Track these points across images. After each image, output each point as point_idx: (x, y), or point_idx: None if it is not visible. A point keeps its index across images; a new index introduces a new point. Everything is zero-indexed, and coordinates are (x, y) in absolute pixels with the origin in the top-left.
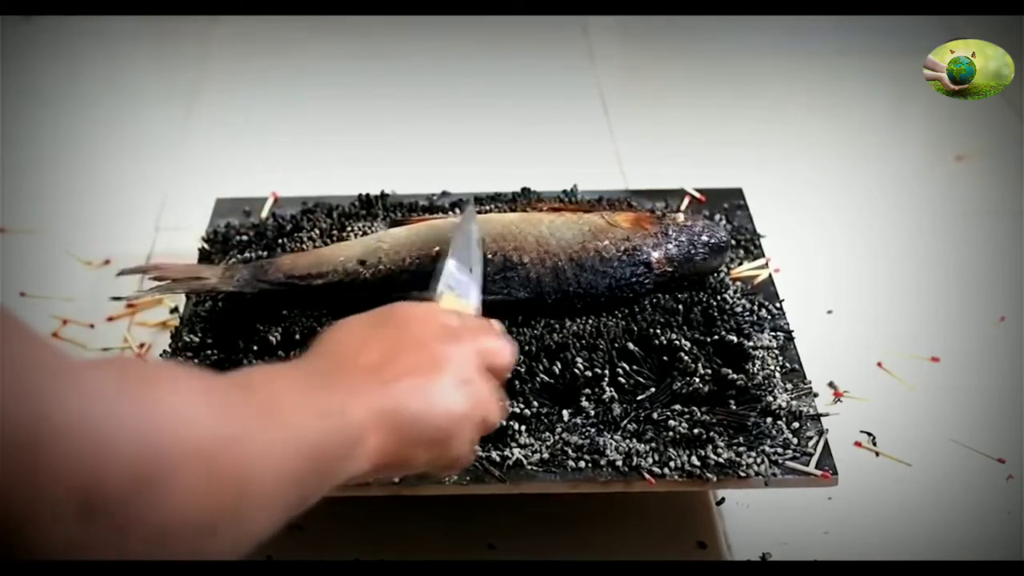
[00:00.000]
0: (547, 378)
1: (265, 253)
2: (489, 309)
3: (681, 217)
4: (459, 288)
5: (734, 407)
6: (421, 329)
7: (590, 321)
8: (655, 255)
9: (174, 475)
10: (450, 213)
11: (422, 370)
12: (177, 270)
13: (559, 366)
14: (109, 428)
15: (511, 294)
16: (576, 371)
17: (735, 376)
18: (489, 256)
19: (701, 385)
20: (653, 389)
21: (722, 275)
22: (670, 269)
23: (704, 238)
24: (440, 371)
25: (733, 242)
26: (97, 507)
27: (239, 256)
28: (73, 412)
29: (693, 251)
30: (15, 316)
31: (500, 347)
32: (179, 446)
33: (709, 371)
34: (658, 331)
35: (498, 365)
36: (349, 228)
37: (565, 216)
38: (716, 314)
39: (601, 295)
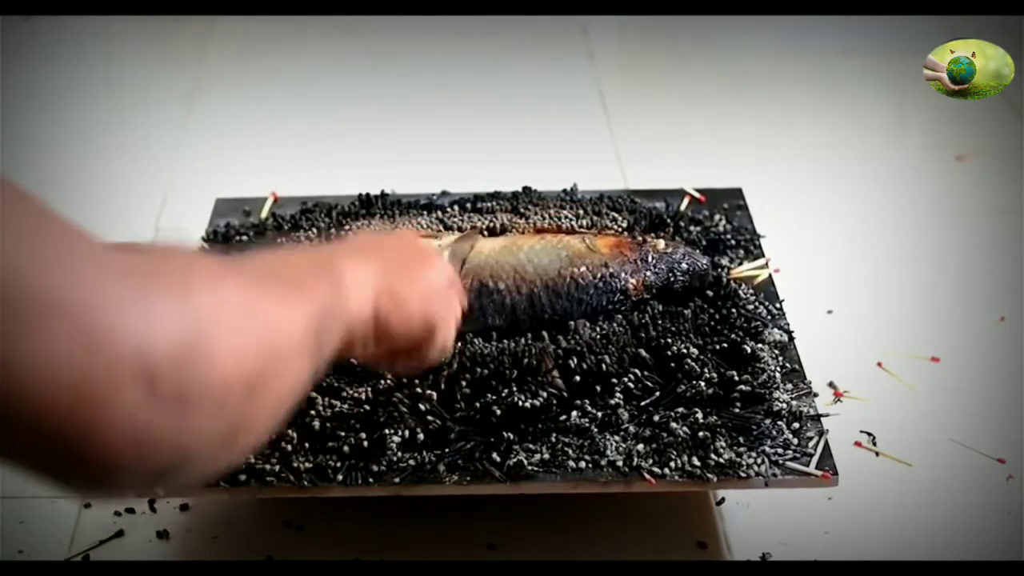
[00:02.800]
0: (557, 378)
1: None
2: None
3: (662, 244)
4: None
5: (738, 409)
6: (410, 237)
7: (599, 328)
8: (632, 281)
9: (216, 337)
10: (436, 231)
11: (418, 260)
12: None
13: (572, 365)
14: (156, 299)
15: (486, 322)
16: (580, 375)
17: (739, 378)
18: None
19: (705, 388)
20: (658, 393)
21: (725, 278)
22: (648, 296)
23: (684, 265)
24: (434, 266)
25: (713, 274)
26: (156, 373)
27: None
28: (119, 287)
29: (672, 279)
30: (47, 205)
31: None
32: (220, 312)
33: (715, 375)
34: (668, 340)
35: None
36: (347, 227)
37: (546, 239)
38: (722, 318)
39: (577, 320)
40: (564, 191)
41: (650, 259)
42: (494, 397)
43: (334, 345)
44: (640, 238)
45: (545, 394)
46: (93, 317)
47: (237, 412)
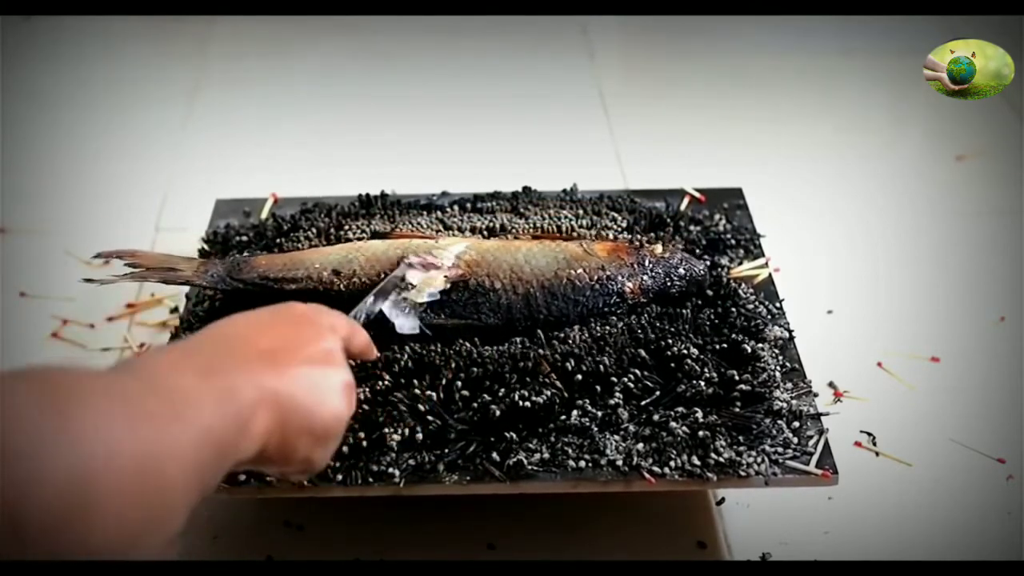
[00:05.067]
0: (555, 380)
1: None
2: (459, 331)
3: (659, 248)
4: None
5: (738, 408)
6: (313, 326)
7: (596, 329)
8: (629, 285)
9: (102, 499)
10: (435, 231)
11: (315, 363)
12: (153, 259)
13: (569, 367)
14: (35, 452)
15: (480, 319)
16: (580, 375)
17: (739, 378)
18: (460, 284)
19: (705, 388)
20: (658, 393)
21: (725, 278)
22: (644, 300)
23: (681, 271)
24: (331, 368)
25: (710, 278)
26: (28, 530)
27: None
28: (3, 428)
29: (669, 283)
30: None
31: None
32: (105, 470)
33: (715, 374)
34: (668, 340)
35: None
36: (347, 227)
37: (544, 243)
38: (722, 317)
39: (572, 323)
40: (564, 191)
41: (647, 263)
42: (493, 397)
43: (216, 484)
44: (638, 242)
45: (547, 393)
46: None
47: (114, 558)
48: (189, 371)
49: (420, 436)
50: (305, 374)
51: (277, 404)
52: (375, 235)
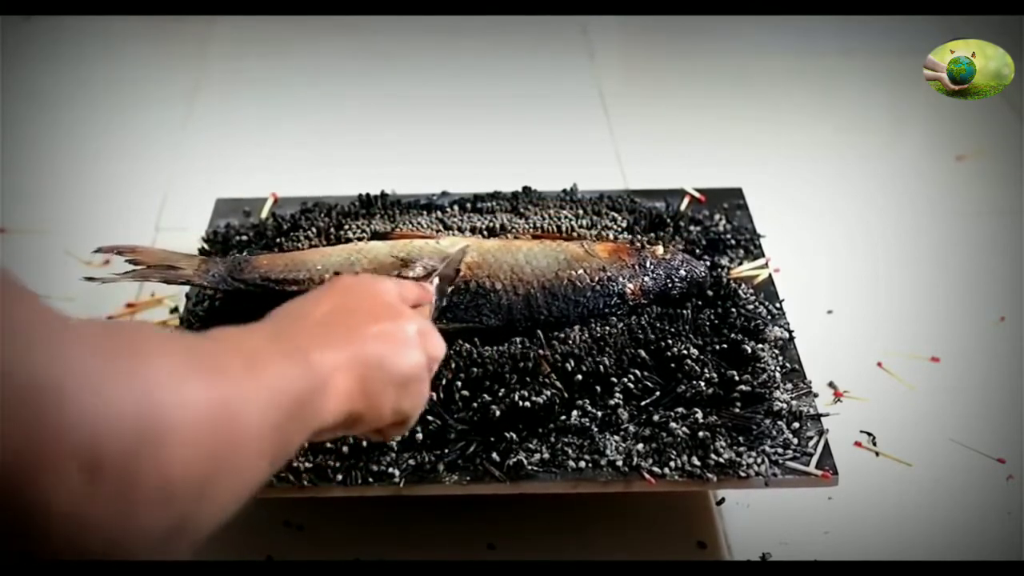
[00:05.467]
0: (555, 380)
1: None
2: (460, 333)
3: (660, 250)
4: None
5: (738, 409)
6: (370, 290)
7: (596, 329)
8: (630, 287)
9: (174, 432)
10: (435, 231)
11: (381, 319)
12: (154, 256)
13: (569, 367)
14: (110, 387)
15: (482, 321)
16: (580, 376)
17: (739, 378)
18: (462, 285)
19: (705, 388)
20: (658, 393)
21: (725, 278)
22: (644, 302)
23: (682, 272)
24: (399, 320)
25: (710, 279)
26: (101, 464)
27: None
28: (73, 370)
29: (670, 285)
30: (10, 273)
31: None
32: (177, 404)
33: (715, 375)
34: (669, 341)
35: (432, 338)
36: (347, 227)
37: (544, 243)
38: (723, 318)
39: (573, 324)
40: (564, 191)
41: (648, 265)
42: (493, 397)
43: (298, 444)
44: (639, 244)
45: (547, 393)
46: (43, 397)
47: (183, 510)
48: (260, 342)
49: (420, 436)
50: (374, 332)
51: (353, 365)
52: (375, 235)
